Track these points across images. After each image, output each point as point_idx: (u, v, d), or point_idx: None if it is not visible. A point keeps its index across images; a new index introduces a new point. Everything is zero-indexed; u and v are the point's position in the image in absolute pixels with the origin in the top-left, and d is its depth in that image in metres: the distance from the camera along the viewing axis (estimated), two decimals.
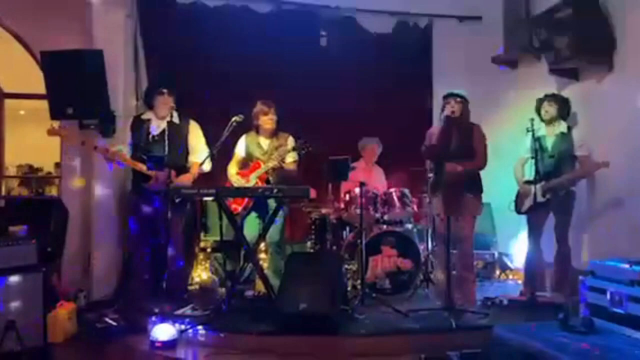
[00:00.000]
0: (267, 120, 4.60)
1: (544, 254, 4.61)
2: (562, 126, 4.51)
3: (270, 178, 4.56)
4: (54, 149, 5.69)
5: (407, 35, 6.17)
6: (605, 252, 3.94)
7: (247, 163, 4.67)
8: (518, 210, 4.68)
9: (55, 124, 4.42)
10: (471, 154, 4.23)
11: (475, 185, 4.32)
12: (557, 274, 4.49)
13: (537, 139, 4.37)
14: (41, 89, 4.83)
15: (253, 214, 4.56)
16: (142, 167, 4.25)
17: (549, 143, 4.50)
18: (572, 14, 4.52)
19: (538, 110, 4.59)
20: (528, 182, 4.53)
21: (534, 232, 4.54)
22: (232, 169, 4.67)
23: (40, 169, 8.91)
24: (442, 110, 4.28)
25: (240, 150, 4.69)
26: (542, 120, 4.56)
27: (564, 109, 4.55)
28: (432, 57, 6.26)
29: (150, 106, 4.47)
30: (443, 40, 6.22)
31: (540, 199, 4.36)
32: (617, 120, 4.47)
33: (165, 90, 4.40)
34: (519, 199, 4.66)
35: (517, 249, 5.51)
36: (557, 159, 4.44)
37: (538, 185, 4.35)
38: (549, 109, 4.52)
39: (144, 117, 4.47)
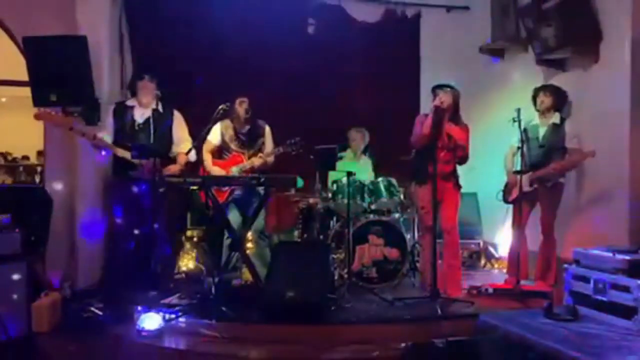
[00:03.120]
0: (242, 109, 4.49)
1: (529, 243, 4.66)
2: (555, 117, 4.54)
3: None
4: (36, 137, 5.59)
5: (395, 24, 6.16)
6: (590, 241, 3.97)
7: (223, 152, 4.62)
8: (505, 200, 4.73)
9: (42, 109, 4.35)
10: (456, 146, 4.31)
11: (456, 176, 4.40)
12: (541, 264, 4.55)
13: (524, 130, 4.40)
14: (24, 75, 4.74)
15: (236, 202, 4.53)
16: (126, 155, 4.21)
17: (540, 133, 4.52)
18: (559, 4, 4.54)
19: (534, 100, 4.61)
20: (516, 172, 4.57)
21: (519, 222, 4.58)
22: (207, 156, 4.57)
23: (27, 157, 8.79)
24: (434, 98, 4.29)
25: (213, 138, 4.57)
26: (536, 109, 4.59)
27: (559, 100, 4.57)
28: (419, 47, 6.26)
29: (133, 93, 4.42)
30: (431, 29, 6.22)
31: (526, 188, 4.41)
32: (603, 111, 4.51)
33: (145, 76, 4.35)
34: (507, 188, 4.71)
35: (502, 238, 5.57)
36: (547, 149, 4.47)
37: (525, 175, 4.39)
38: (545, 100, 4.54)
39: (128, 103, 4.42)
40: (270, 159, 4.58)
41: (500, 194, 4.75)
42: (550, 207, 4.52)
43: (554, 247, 4.51)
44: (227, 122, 4.60)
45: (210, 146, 4.60)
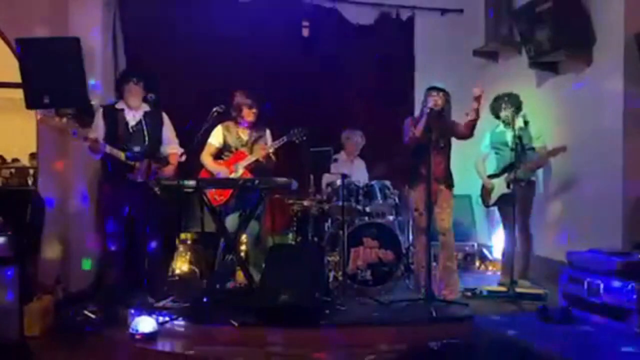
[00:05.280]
0: (251, 114, 4.54)
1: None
2: (519, 121, 4.57)
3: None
4: (29, 140, 5.55)
5: (390, 27, 6.17)
6: (584, 243, 3.99)
7: (223, 153, 4.60)
8: (486, 204, 4.78)
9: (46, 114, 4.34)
10: (449, 146, 4.38)
11: (450, 178, 4.41)
12: (522, 262, 4.60)
13: (499, 133, 4.45)
14: (16, 77, 4.70)
15: (235, 206, 4.51)
16: (122, 157, 4.19)
17: (508, 137, 4.56)
18: (553, 7, 4.56)
19: (495, 111, 4.67)
20: (491, 176, 4.69)
21: (507, 223, 4.61)
22: (208, 159, 4.56)
23: (17, 160, 8.72)
24: (425, 102, 4.29)
25: (215, 140, 4.57)
26: (502, 121, 4.65)
27: (518, 107, 4.62)
28: (414, 49, 6.28)
29: (120, 95, 4.40)
30: (425, 32, 6.24)
31: (505, 190, 4.52)
32: (597, 114, 4.53)
33: (132, 79, 4.33)
34: (484, 192, 4.78)
35: (496, 240, 5.58)
36: (518, 151, 4.50)
37: (503, 178, 4.55)
38: (508, 113, 4.57)
39: (117, 106, 4.39)
40: (272, 156, 4.55)
41: (480, 199, 4.83)
42: (525, 205, 4.61)
43: (531, 243, 4.63)
44: (230, 123, 4.59)
45: (212, 149, 4.57)
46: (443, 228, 4.30)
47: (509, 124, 4.55)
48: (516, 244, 4.62)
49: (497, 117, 4.69)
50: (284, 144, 4.52)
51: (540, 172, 4.92)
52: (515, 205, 4.52)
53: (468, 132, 4.25)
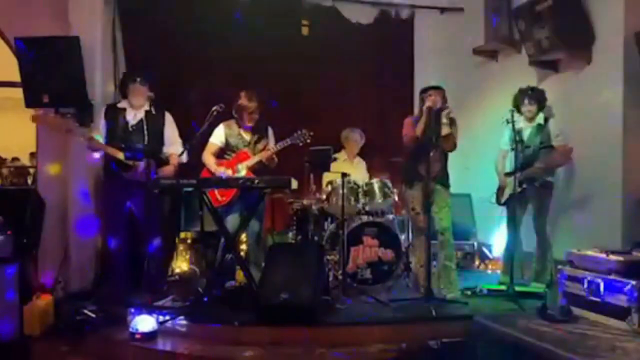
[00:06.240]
0: (251, 119, 4.51)
1: (524, 244, 4.67)
2: (539, 118, 4.55)
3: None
4: (29, 139, 5.55)
5: (389, 25, 6.16)
6: (584, 243, 3.98)
7: (226, 153, 4.60)
8: (498, 202, 4.75)
9: (39, 112, 4.35)
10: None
11: (446, 177, 4.38)
12: (537, 264, 4.56)
13: (518, 131, 4.41)
14: (16, 76, 4.71)
15: (236, 206, 4.51)
16: (120, 156, 4.20)
17: (525, 134, 4.54)
18: (552, 6, 4.56)
19: (516, 105, 4.59)
20: (507, 174, 4.60)
21: (513, 222, 4.59)
22: (209, 158, 4.52)
23: (17, 159, 8.74)
24: (422, 102, 4.28)
25: (217, 140, 4.54)
26: (521, 115, 4.60)
27: (542, 103, 4.58)
28: (413, 48, 6.27)
29: (124, 95, 4.41)
30: (425, 31, 6.23)
31: (516, 189, 4.42)
32: (596, 112, 4.53)
33: (137, 79, 4.34)
34: (500, 190, 4.73)
35: (496, 239, 5.58)
36: (535, 149, 4.49)
37: (514, 176, 4.41)
38: (531, 108, 4.52)
39: (119, 105, 4.40)
40: (275, 157, 4.54)
41: (494, 197, 4.77)
42: (541, 206, 4.53)
43: (549, 247, 4.52)
44: (232, 122, 4.57)
45: (213, 148, 4.53)
46: (442, 227, 4.29)
47: (531, 119, 4.49)
48: (520, 244, 4.61)
49: (519, 110, 4.57)
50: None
51: (560, 173, 4.73)
52: (525, 206, 4.52)
53: (447, 146, 4.21)
